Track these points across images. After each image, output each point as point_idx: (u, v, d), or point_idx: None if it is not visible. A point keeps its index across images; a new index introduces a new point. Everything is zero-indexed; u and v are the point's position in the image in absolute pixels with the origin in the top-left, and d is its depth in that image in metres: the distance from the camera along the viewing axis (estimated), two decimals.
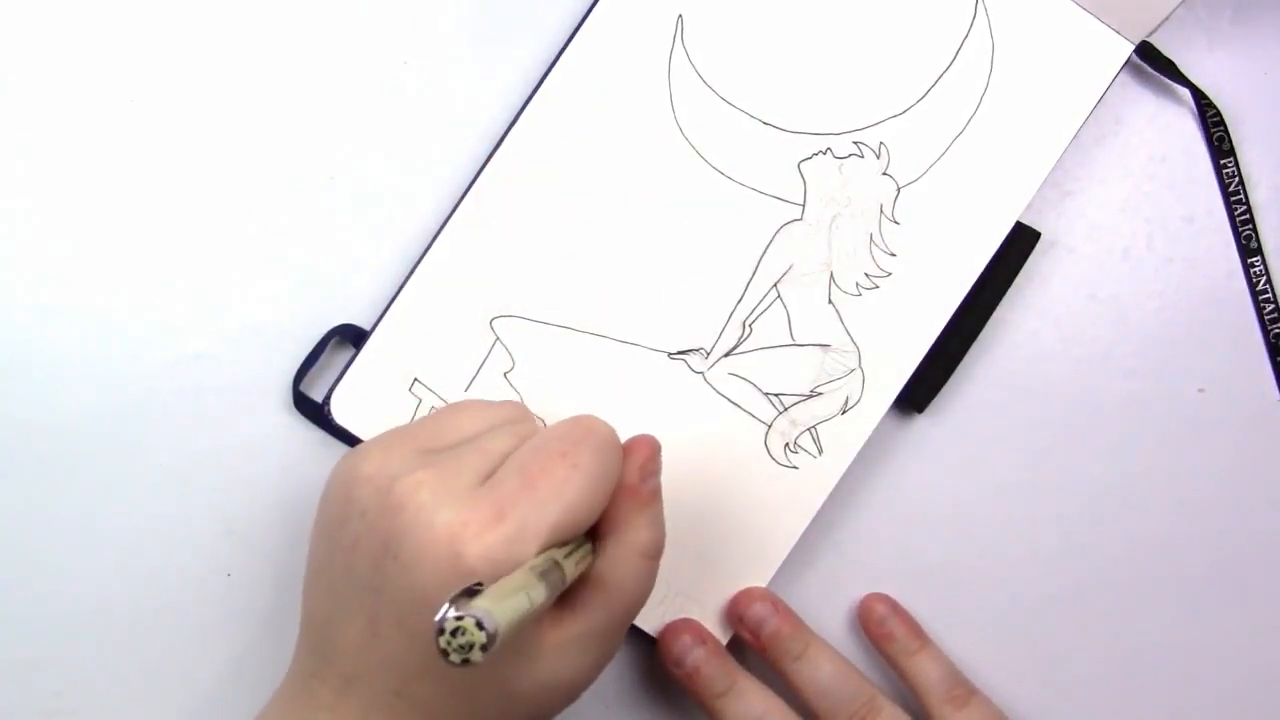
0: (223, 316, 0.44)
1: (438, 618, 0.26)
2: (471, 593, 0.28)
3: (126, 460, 0.43)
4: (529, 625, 0.34)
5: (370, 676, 0.34)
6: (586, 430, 0.36)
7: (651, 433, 0.38)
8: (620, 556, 0.36)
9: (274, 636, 0.44)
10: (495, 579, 0.31)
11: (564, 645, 0.35)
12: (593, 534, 0.37)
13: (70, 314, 0.43)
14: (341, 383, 0.43)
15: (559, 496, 0.34)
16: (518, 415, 0.39)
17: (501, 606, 0.27)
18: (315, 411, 0.43)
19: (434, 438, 0.37)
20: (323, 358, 0.44)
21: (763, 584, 0.44)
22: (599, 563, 0.36)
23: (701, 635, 0.43)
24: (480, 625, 0.26)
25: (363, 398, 0.43)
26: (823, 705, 0.43)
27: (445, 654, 0.26)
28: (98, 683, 0.44)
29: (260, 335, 0.44)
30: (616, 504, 0.36)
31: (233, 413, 0.44)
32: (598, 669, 0.37)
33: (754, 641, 0.44)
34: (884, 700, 0.43)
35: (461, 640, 0.26)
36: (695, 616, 0.44)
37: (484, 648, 0.26)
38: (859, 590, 0.46)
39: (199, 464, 0.44)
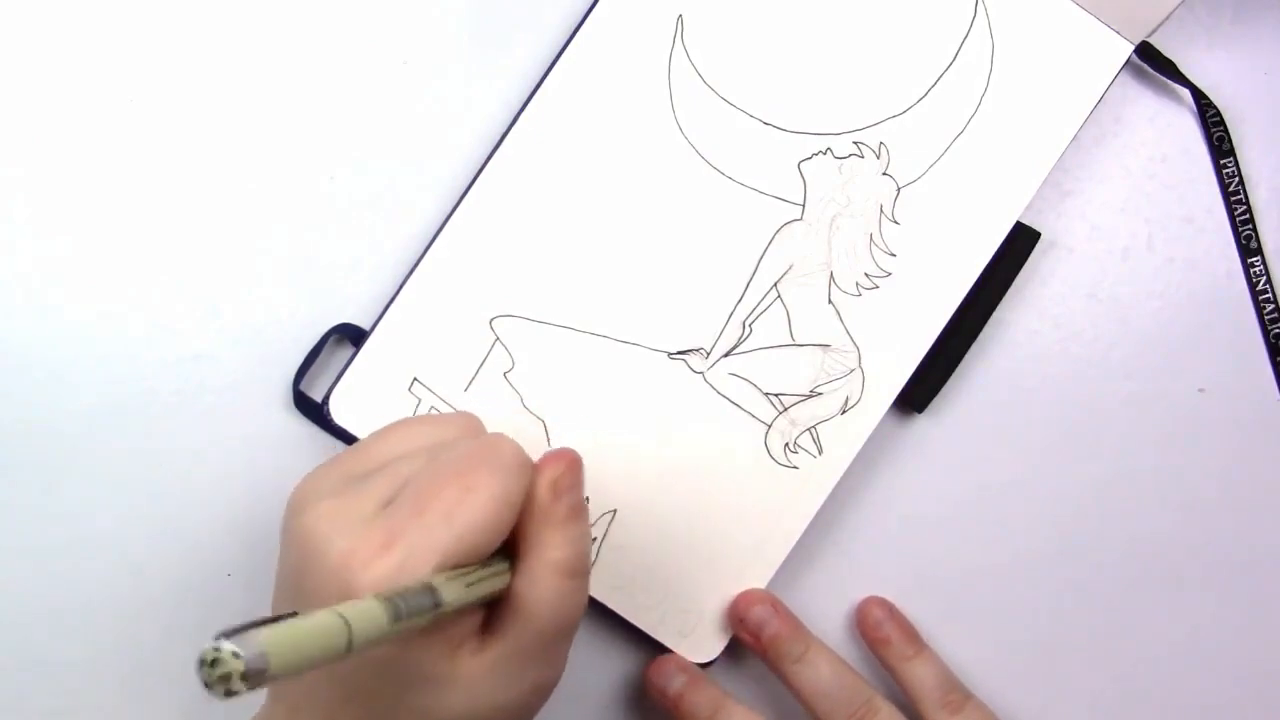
0: (223, 316, 0.44)
1: (202, 650, 0.24)
2: (277, 621, 0.26)
3: (126, 460, 0.43)
4: (438, 651, 0.33)
5: (306, 705, 0.34)
6: (487, 449, 0.35)
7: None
8: (536, 576, 0.34)
9: None
10: None
11: (484, 671, 0.34)
12: (511, 554, 0.35)
13: (70, 314, 0.43)
14: (341, 382, 0.43)
15: (449, 521, 0.32)
16: (460, 429, 0.37)
17: (287, 637, 0.25)
18: (315, 411, 0.43)
19: (359, 462, 0.36)
20: (322, 357, 0.44)
21: (762, 584, 0.44)
22: (515, 583, 0.34)
23: (684, 665, 0.43)
24: (237, 655, 0.24)
25: (362, 397, 0.43)
26: (822, 707, 0.43)
27: (207, 685, 0.24)
28: (98, 683, 0.44)
29: (260, 335, 0.44)
30: (527, 522, 0.35)
31: (233, 413, 0.44)
32: (535, 693, 0.35)
33: (754, 644, 0.44)
34: (882, 701, 0.43)
35: (220, 670, 0.24)
36: (694, 617, 0.44)
37: (244, 677, 0.24)
38: (859, 590, 0.46)
39: (199, 464, 0.44)
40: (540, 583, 0.34)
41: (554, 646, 0.36)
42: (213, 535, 0.44)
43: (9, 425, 0.43)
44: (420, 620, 0.30)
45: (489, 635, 0.34)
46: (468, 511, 0.33)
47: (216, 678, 0.24)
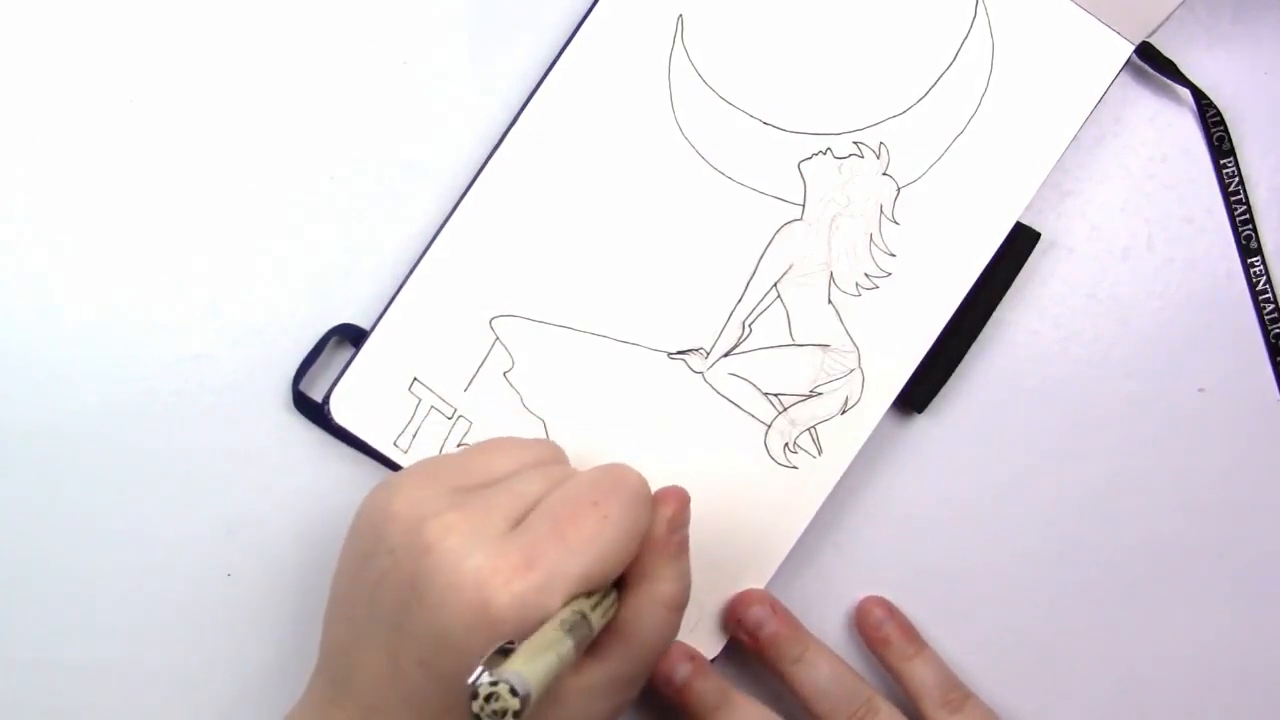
0: (223, 316, 0.44)
1: (471, 681, 0.26)
2: (503, 651, 0.28)
3: (126, 460, 0.43)
4: None
5: (389, 711, 0.34)
6: (618, 480, 0.36)
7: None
8: (644, 607, 0.36)
9: (274, 636, 0.44)
10: (522, 628, 0.31)
11: (585, 692, 0.35)
12: (618, 583, 0.36)
13: (70, 314, 0.43)
14: (341, 382, 0.43)
15: (589, 547, 0.33)
16: (550, 455, 0.39)
17: (533, 668, 0.27)
18: (315, 411, 0.43)
19: (465, 475, 0.37)
20: (322, 357, 0.44)
21: (762, 584, 0.44)
22: (623, 612, 0.36)
23: (690, 653, 0.43)
24: (514, 691, 0.26)
25: (362, 397, 0.43)
26: (821, 707, 0.43)
27: (478, 718, 0.26)
28: (98, 683, 0.44)
29: (260, 335, 0.44)
30: (644, 555, 0.36)
31: (233, 413, 0.44)
32: (616, 714, 0.37)
33: (752, 644, 0.44)
34: (881, 701, 0.43)
35: (495, 706, 0.26)
36: (694, 616, 0.44)
37: (516, 714, 0.26)
38: (858, 590, 0.46)
39: (199, 464, 0.44)
40: (646, 612, 0.36)
41: (645, 673, 0.37)
42: (213, 535, 0.44)
43: (9, 425, 0.43)
44: (582, 650, 0.32)
45: (590, 658, 0.35)
46: (604, 539, 0.34)
47: (491, 712, 0.26)
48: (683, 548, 0.37)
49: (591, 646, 0.35)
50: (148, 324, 0.43)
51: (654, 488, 0.38)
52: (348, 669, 0.36)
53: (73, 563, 0.43)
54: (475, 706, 0.26)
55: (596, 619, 0.33)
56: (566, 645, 0.30)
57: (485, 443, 0.39)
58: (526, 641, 0.29)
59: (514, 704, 0.26)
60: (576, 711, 0.35)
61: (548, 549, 0.33)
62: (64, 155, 0.43)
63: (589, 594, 0.34)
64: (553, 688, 0.34)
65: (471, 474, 0.37)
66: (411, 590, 0.33)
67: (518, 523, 0.34)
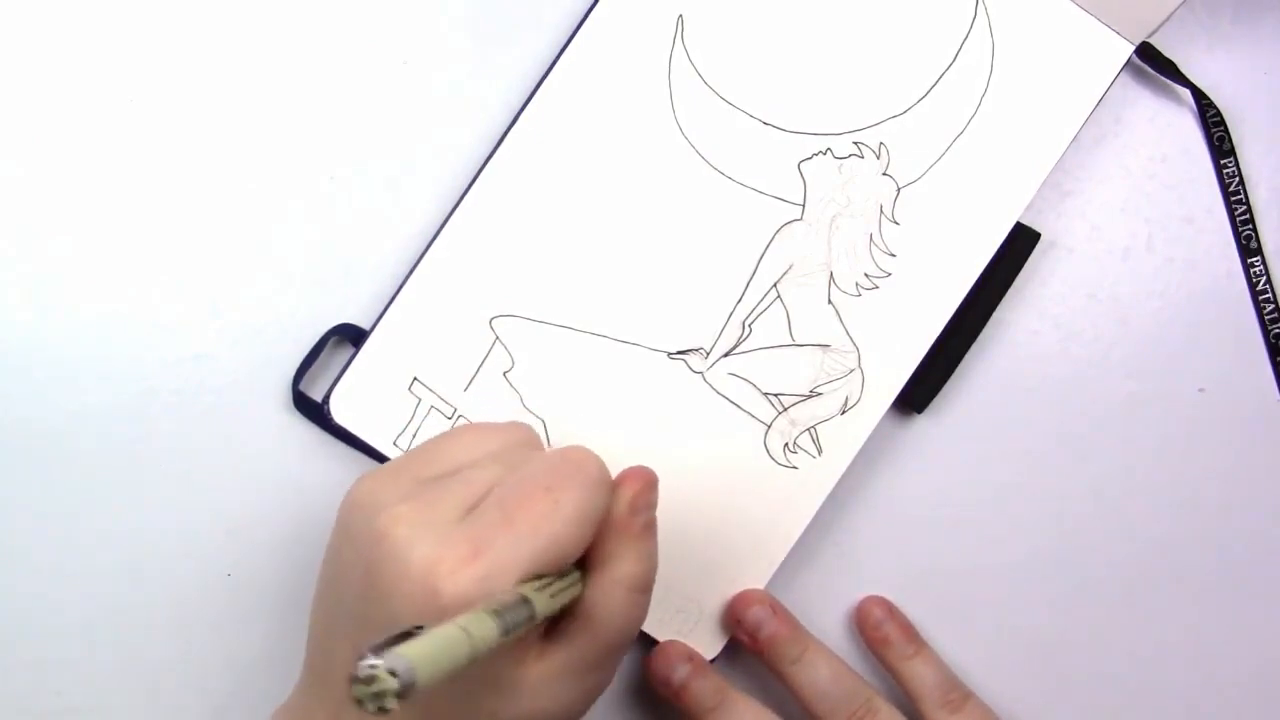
0: (223, 316, 0.44)
1: (353, 668, 0.25)
2: (407, 634, 0.27)
3: (126, 460, 0.43)
4: (507, 658, 0.33)
5: (333, 692, 0.35)
6: (573, 464, 0.35)
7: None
8: (606, 590, 0.35)
9: (274, 636, 0.44)
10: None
11: (549, 678, 0.34)
12: (581, 565, 0.36)
13: (70, 314, 0.43)
14: (341, 382, 0.43)
15: (537, 533, 0.33)
16: (517, 438, 0.38)
17: (428, 653, 0.26)
18: (315, 411, 0.43)
19: (427, 465, 0.36)
20: (322, 357, 0.44)
21: (761, 584, 0.44)
22: (586, 594, 0.35)
23: (688, 654, 0.43)
24: (393, 673, 0.25)
25: (362, 397, 0.43)
26: (821, 707, 0.43)
27: (359, 702, 0.25)
28: (98, 683, 0.44)
29: (260, 335, 0.44)
30: (604, 537, 0.36)
31: (233, 413, 0.44)
32: (587, 701, 0.36)
33: (752, 644, 0.44)
34: (881, 701, 0.43)
35: (375, 689, 0.25)
36: (693, 616, 0.44)
37: (399, 695, 0.25)
38: (858, 591, 0.46)
39: (199, 464, 0.44)
40: (610, 595, 0.35)
41: (614, 656, 0.36)
42: (213, 535, 0.44)
43: (9, 425, 0.43)
44: (519, 632, 0.31)
45: (552, 642, 0.35)
46: (555, 524, 0.33)
47: (370, 695, 0.25)
48: (647, 529, 0.37)
49: (553, 630, 0.35)
50: (148, 324, 0.43)
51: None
52: (324, 661, 0.36)
53: (73, 563, 0.43)
54: (355, 691, 0.25)
55: (544, 601, 0.32)
56: (486, 626, 0.29)
57: (450, 430, 0.39)
58: (433, 628, 0.28)
59: (393, 684, 0.25)
60: (540, 697, 0.34)
61: (495, 536, 0.33)
62: (64, 155, 0.43)
63: (540, 577, 0.33)
64: (511, 672, 0.33)
65: (433, 463, 0.36)
66: (368, 581, 0.33)
67: (470, 510, 0.34)
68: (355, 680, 0.25)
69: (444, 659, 0.27)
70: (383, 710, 0.25)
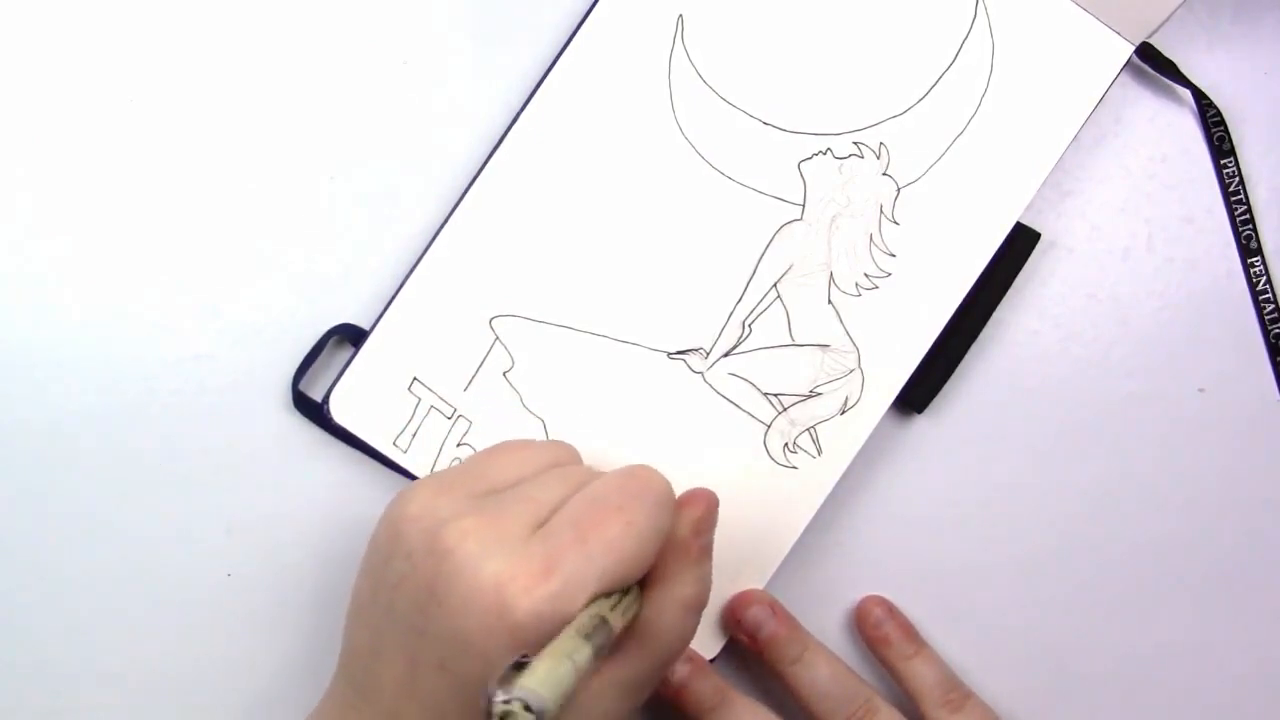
0: (223, 317, 0.44)
1: (485, 701, 0.26)
2: (518, 664, 0.28)
3: (126, 460, 0.43)
4: None
5: (407, 715, 0.34)
6: (643, 484, 0.35)
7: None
8: (664, 609, 0.36)
9: (274, 636, 0.44)
10: (542, 634, 0.31)
11: (602, 694, 0.35)
12: (640, 582, 0.36)
13: (70, 314, 0.43)
14: (341, 382, 0.43)
15: (610, 551, 0.33)
16: (565, 457, 0.38)
17: (550, 683, 0.28)
18: (315, 411, 0.43)
19: (481, 480, 0.36)
20: (322, 357, 0.44)
21: (761, 584, 0.44)
22: (643, 613, 0.36)
23: (687, 654, 0.43)
24: (528, 708, 0.26)
25: (362, 397, 0.43)
26: (821, 707, 0.43)
27: None
28: (98, 682, 0.44)
29: (260, 335, 0.44)
30: (666, 557, 0.36)
31: (233, 413, 0.44)
32: (630, 711, 0.36)
33: (751, 644, 0.44)
34: (881, 701, 0.43)
35: None
36: None
37: None
38: (857, 591, 0.46)
39: (199, 464, 0.44)
40: (667, 615, 0.36)
41: (661, 674, 0.37)
42: (213, 535, 0.44)
43: (9, 425, 0.43)
44: (604, 655, 0.31)
45: (609, 659, 0.35)
46: (626, 545, 0.34)
47: None
48: (706, 551, 0.37)
49: (611, 647, 0.35)
50: (148, 324, 0.43)
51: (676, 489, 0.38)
52: (367, 673, 0.36)
53: (73, 563, 0.43)
54: None
55: (616, 621, 0.33)
56: (584, 653, 0.30)
57: (499, 446, 0.39)
58: (543, 652, 0.29)
59: (528, 718, 0.26)
60: (591, 709, 0.35)
61: (568, 554, 0.33)
62: (64, 155, 0.43)
63: (608, 595, 0.34)
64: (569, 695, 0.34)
65: (487, 479, 0.37)
66: (430, 594, 0.33)
67: (537, 527, 0.34)
68: (489, 716, 0.27)
69: (563, 688, 0.28)
70: None
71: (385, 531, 0.36)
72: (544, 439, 0.41)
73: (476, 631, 0.32)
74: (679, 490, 0.37)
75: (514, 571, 0.32)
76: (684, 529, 0.36)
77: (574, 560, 0.33)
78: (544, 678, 0.28)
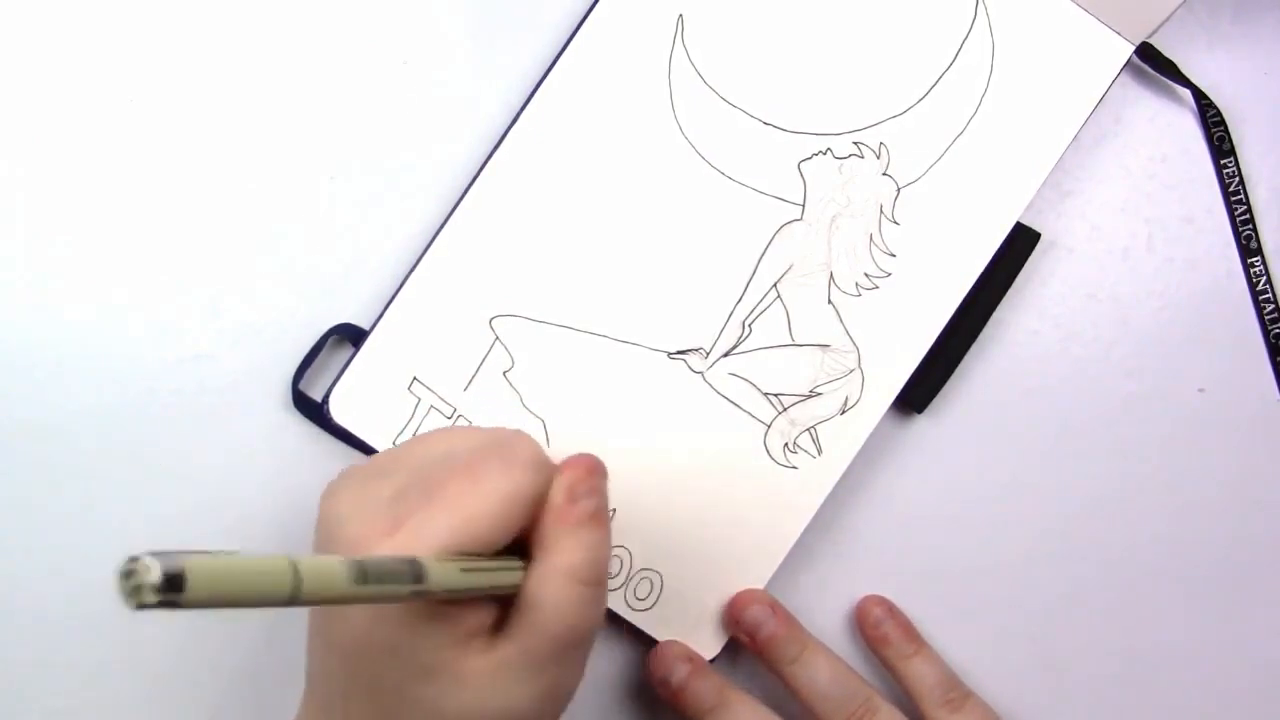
0: (222, 317, 0.44)
1: (123, 560, 0.23)
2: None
3: (126, 460, 0.43)
4: (449, 646, 0.33)
5: (322, 692, 0.36)
6: (501, 446, 0.35)
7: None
8: (546, 578, 0.34)
9: (273, 636, 0.44)
10: None
11: (495, 671, 0.34)
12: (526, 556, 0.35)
13: (70, 314, 0.43)
14: (341, 382, 0.43)
15: (452, 510, 0.33)
16: (499, 439, 0.36)
17: (214, 563, 0.24)
18: (314, 411, 0.43)
19: (393, 459, 0.37)
20: (322, 357, 0.44)
21: (761, 584, 0.44)
22: (527, 584, 0.34)
23: (688, 654, 0.43)
24: (171, 580, 0.23)
25: (362, 397, 0.43)
26: (821, 707, 0.43)
27: (123, 596, 0.23)
28: (98, 683, 0.44)
29: (260, 335, 0.44)
30: (542, 524, 0.35)
31: (233, 413, 0.44)
32: (548, 700, 0.35)
33: (751, 644, 0.44)
34: (881, 701, 0.43)
35: (134, 581, 0.23)
36: (692, 616, 0.44)
37: (157, 589, 0.23)
38: (857, 591, 0.46)
39: (199, 464, 0.44)
40: (549, 585, 0.34)
41: (566, 653, 0.35)
42: (213, 535, 0.44)
43: (9, 425, 0.43)
44: (397, 590, 0.30)
45: (499, 635, 0.34)
46: (471, 502, 0.33)
47: (131, 588, 0.23)
48: (594, 519, 0.35)
49: (501, 624, 0.34)
50: (148, 324, 0.43)
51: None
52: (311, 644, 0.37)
53: (72, 562, 0.43)
54: (119, 586, 0.23)
55: (455, 576, 0.32)
56: (328, 569, 0.28)
57: (429, 432, 0.39)
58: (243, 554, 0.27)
59: (151, 576, 0.23)
60: (486, 691, 0.33)
61: (415, 511, 0.33)
62: (64, 155, 0.43)
63: (468, 557, 0.33)
64: (451, 660, 0.33)
65: (399, 458, 0.37)
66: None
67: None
68: (119, 574, 0.23)
69: (241, 577, 0.25)
70: (141, 605, 0.23)
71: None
72: (494, 427, 0.39)
73: None
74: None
75: (366, 531, 0.33)
76: (558, 494, 0.35)
77: (419, 516, 0.33)
78: (212, 560, 0.24)
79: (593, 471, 0.36)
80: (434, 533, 0.33)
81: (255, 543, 0.44)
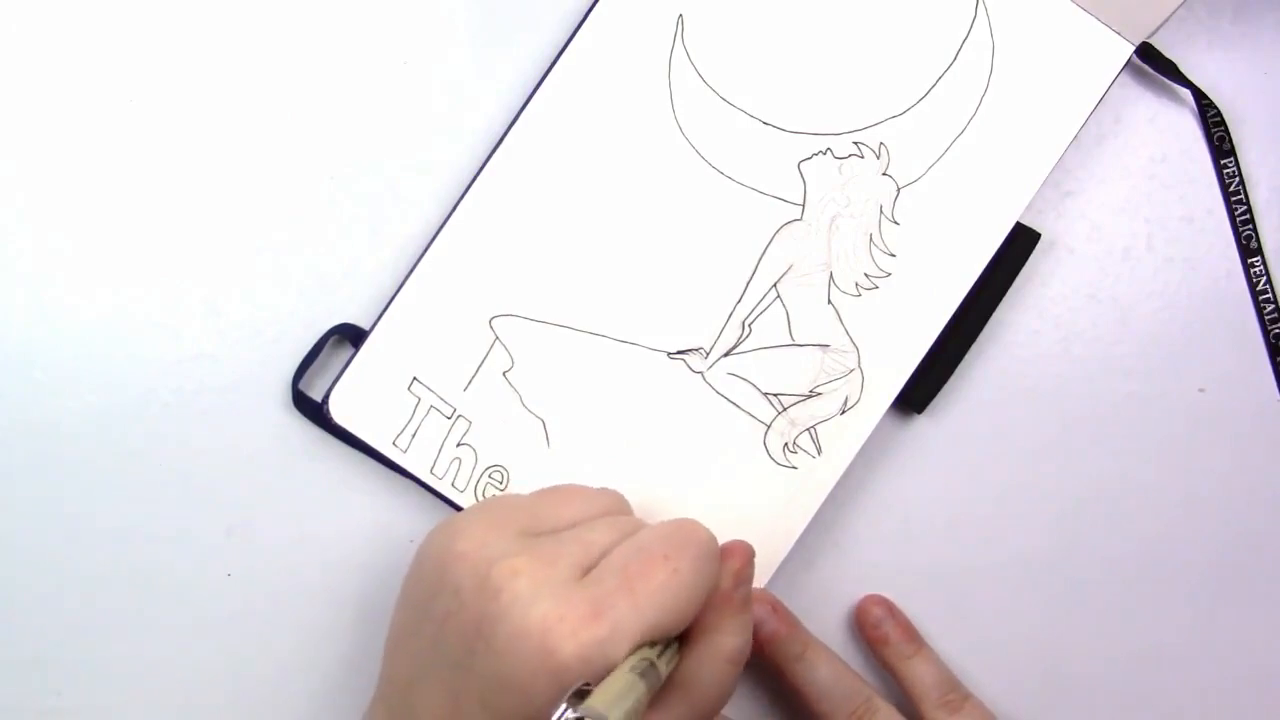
0: (223, 317, 0.44)
1: (555, 716, 0.27)
2: (580, 694, 0.28)
3: (126, 460, 0.43)
4: None
5: None
6: (689, 535, 0.36)
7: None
8: (706, 660, 0.36)
9: (273, 636, 0.44)
10: (585, 678, 0.31)
11: None
12: (681, 635, 0.36)
13: (70, 314, 0.43)
14: (341, 382, 0.43)
15: (656, 600, 0.33)
16: (616, 506, 0.39)
17: (615, 708, 0.28)
18: (314, 411, 0.43)
19: (532, 520, 0.37)
20: (322, 357, 0.44)
21: (762, 584, 0.44)
22: (685, 664, 0.36)
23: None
24: None
25: (362, 397, 0.43)
26: (821, 706, 0.43)
27: None
28: (98, 683, 0.44)
29: (260, 335, 0.44)
30: (708, 609, 0.36)
31: (233, 413, 0.44)
32: None
33: (751, 643, 0.44)
34: (881, 700, 0.43)
35: None
36: None
37: None
38: (857, 591, 0.46)
39: (199, 464, 0.44)
40: (708, 665, 0.36)
41: None
42: (213, 535, 0.44)
43: (9, 425, 0.43)
44: (651, 695, 0.32)
45: (650, 709, 0.35)
46: (672, 593, 0.34)
47: None
48: (746, 603, 0.37)
49: (653, 698, 0.35)
50: (148, 324, 0.43)
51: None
52: (407, 704, 0.36)
53: (73, 563, 0.43)
54: None
55: (663, 669, 0.33)
56: (640, 689, 0.30)
57: (552, 489, 0.40)
58: (604, 682, 0.29)
59: None
60: None
61: (616, 600, 0.33)
62: (64, 155, 0.43)
63: (653, 644, 0.34)
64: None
65: (539, 519, 0.37)
66: (477, 632, 0.33)
67: (586, 571, 0.34)
68: None
69: (627, 707, 0.28)
70: None
71: (431, 564, 0.36)
72: (599, 488, 0.41)
73: (521, 671, 0.32)
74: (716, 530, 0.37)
75: (561, 614, 0.33)
76: (726, 580, 0.37)
77: (621, 606, 0.33)
78: (612, 701, 0.28)
79: (751, 559, 0.38)
80: (637, 624, 0.33)
81: (255, 542, 0.44)
